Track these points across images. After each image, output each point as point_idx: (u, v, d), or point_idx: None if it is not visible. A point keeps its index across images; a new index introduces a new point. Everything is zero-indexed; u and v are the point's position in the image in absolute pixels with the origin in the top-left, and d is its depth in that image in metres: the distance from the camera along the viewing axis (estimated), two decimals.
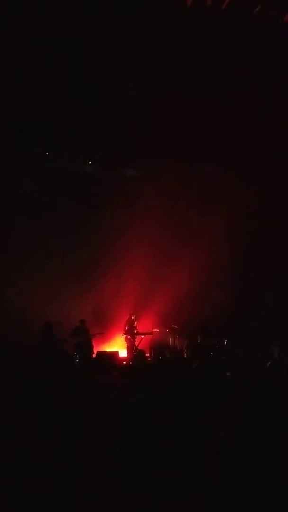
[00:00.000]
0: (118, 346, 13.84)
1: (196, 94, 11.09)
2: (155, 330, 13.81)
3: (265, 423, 3.35)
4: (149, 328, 13.94)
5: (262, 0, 9.45)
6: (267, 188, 13.03)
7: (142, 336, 13.67)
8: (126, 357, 12.98)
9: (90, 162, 14.98)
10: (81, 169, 14.90)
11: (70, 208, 14.12)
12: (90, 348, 12.10)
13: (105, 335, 13.82)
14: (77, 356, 11.44)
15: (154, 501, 2.96)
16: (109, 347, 13.74)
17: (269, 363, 5.75)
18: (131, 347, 13.34)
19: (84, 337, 12.08)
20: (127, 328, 13.57)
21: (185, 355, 12.00)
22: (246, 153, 12.77)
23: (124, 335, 13.57)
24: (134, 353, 12.69)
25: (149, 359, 11.28)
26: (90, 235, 14.08)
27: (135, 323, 13.75)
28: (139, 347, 13.14)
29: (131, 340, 13.47)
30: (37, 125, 12.10)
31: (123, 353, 13.26)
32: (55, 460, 3.24)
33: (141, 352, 10.33)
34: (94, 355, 11.75)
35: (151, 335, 13.68)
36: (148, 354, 11.91)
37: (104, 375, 4.92)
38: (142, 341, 13.58)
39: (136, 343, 13.51)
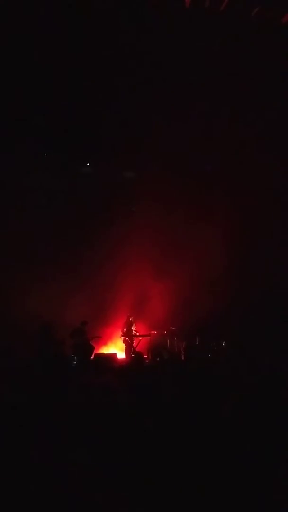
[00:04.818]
0: (116, 348, 13.81)
1: (195, 96, 11.09)
2: (153, 332, 13.80)
3: (263, 423, 3.33)
4: (147, 330, 13.93)
5: (261, 1, 9.44)
6: (264, 193, 13.02)
7: (140, 338, 13.65)
8: (124, 359, 12.96)
9: (88, 164, 14.99)
10: (79, 170, 14.91)
11: (69, 210, 14.13)
12: (89, 350, 12.06)
13: (104, 337, 13.79)
14: (75, 358, 11.42)
15: (152, 503, 2.94)
16: (107, 349, 13.71)
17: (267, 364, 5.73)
18: (129, 349, 13.32)
19: (83, 339, 12.05)
20: (125, 330, 13.56)
21: (183, 357, 12.00)
22: (244, 159, 12.79)
23: (122, 337, 13.55)
24: (132, 355, 12.68)
25: (147, 361, 11.27)
26: (89, 236, 14.07)
27: (133, 325, 13.75)
28: (137, 349, 13.13)
29: (129, 342, 13.46)
30: (36, 125, 12.08)
31: (121, 355, 13.25)
32: (53, 461, 3.23)
33: (139, 354, 10.31)
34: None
35: (149, 337, 13.66)
36: (146, 356, 11.90)
37: (101, 377, 4.90)
38: (140, 343, 13.56)
39: (134, 345, 13.49)
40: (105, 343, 14.00)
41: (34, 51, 10.02)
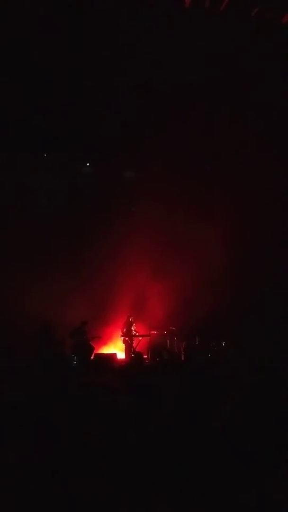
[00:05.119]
0: (116, 348, 13.81)
1: (195, 96, 11.08)
2: (153, 332, 13.80)
3: (263, 423, 3.33)
4: (147, 330, 13.93)
5: (261, 1, 9.43)
6: (264, 193, 13.01)
7: (140, 338, 13.65)
8: (124, 359, 12.96)
9: (88, 164, 15.00)
10: (79, 170, 14.92)
11: (69, 210, 14.15)
12: (89, 350, 12.07)
13: (104, 337, 13.79)
14: (75, 358, 11.42)
15: (152, 502, 2.94)
16: (107, 349, 13.71)
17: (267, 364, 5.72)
18: (129, 349, 13.32)
19: (83, 339, 12.06)
20: (125, 330, 13.56)
21: (183, 357, 12.00)
22: (244, 159, 12.79)
23: (122, 337, 13.55)
24: (132, 355, 12.68)
25: (147, 361, 11.27)
26: (89, 236, 14.09)
27: (133, 325, 13.74)
28: (137, 349, 13.13)
29: (129, 342, 13.45)
30: (36, 126, 12.08)
31: (121, 355, 13.24)
32: (53, 461, 3.23)
33: (139, 354, 10.31)
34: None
35: (149, 337, 13.66)
36: (146, 356, 11.90)
37: (101, 377, 4.90)
38: (140, 343, 13.56)
39: (134, 345, 13.49)
40: (105, 343, 14.00)
41: (34, 51, 10.01)
